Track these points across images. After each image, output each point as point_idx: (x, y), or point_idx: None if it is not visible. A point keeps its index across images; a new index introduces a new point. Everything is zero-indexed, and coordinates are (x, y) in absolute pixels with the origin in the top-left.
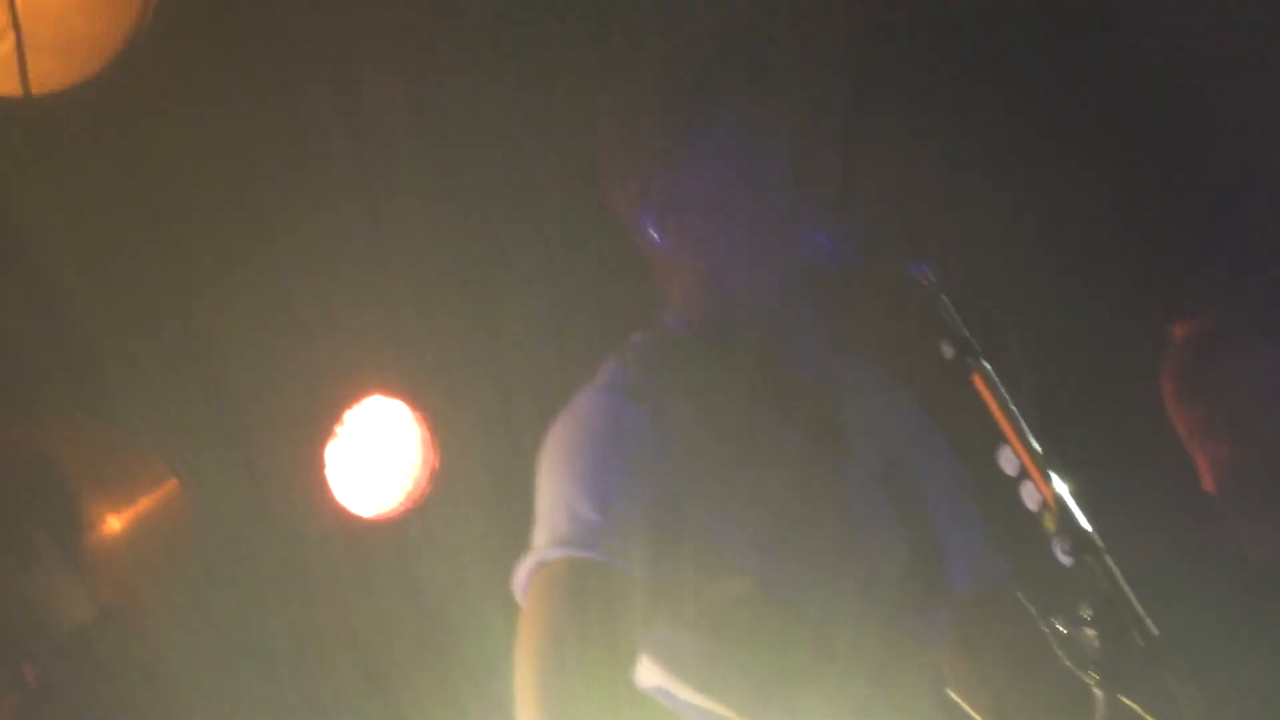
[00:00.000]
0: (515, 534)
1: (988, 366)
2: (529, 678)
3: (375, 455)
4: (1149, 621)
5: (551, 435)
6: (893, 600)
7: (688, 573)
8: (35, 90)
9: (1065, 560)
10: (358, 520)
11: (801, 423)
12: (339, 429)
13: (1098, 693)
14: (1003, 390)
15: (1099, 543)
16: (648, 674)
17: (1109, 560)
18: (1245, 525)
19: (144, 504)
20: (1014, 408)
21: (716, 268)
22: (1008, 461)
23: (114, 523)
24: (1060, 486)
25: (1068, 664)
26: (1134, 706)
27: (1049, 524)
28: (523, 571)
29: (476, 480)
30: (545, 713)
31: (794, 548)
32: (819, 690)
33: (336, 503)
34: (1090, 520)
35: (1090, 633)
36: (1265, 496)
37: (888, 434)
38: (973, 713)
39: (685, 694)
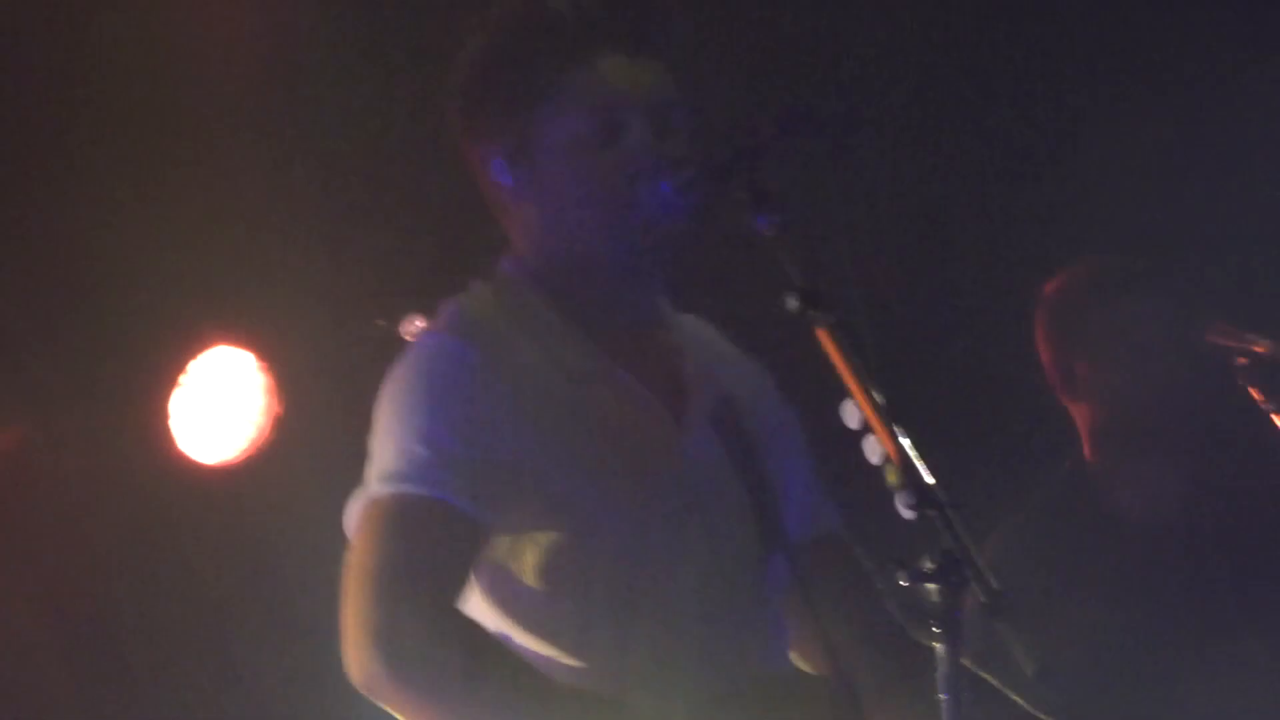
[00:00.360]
0: (358, 480)
1: (832, 319)
2: (353, 609)
3: (219, 404)
4: (990, 576)
5: (388, 375)
6: (730, 546)
7: (517, 514)
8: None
9: (907, 513)
10: (200, 467)
11: (637, 371)
12: (183, 378)
13: (937, 647)
14: (846, 343)
15: (941, 496)
16: (488, 619)
17: (951, 514)
18: (1116, 484)
19: None
20: (857, 360)
21: (562, 215)
22: (850, 414)
23: None
24: (903, 440)
25: (900, 618)
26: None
27: (892, 477)
28: (353, 508)
29: (320, 427)
30: (369, 644)
31: (627, 493)
32: (654, 638)
33: (179, 451)
34: (932, 474)
35: (931, 587)
36: (1132, 455)
37: (724, 385)
38: (809, 663)
39: (521, 639)
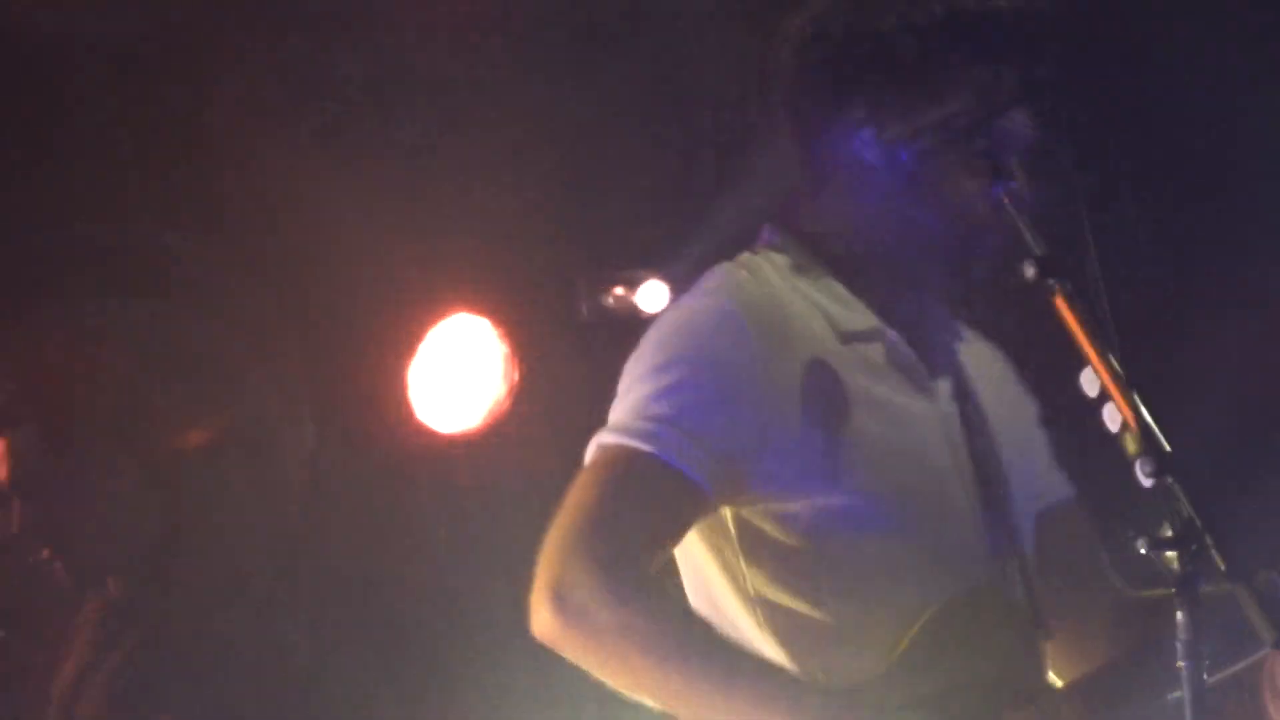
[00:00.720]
0: None
1: (1069, 287)
2: (546, 552)
3: (458, 372)
4: (1230, 542)
5: (653, 324)
6: (973, 517)
7: (756, 483)
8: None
9: (1146, 481)
10: (440, 437)
11: (909, 347)
12: (422, 347)
13: (1178, 614)
14: (1084, 311)
15: (1180, 464)
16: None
17: (1190, 481)
18: None
19: (221, 421)
20: (1096, 328)
21: (910, 218)
22: (1089, 383)
23: (193, 439)
24: (1142, 408)
25: (1120, 586)
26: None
27: (1130, 445)
28: (590, 447)
29: (558, 396)
30: (545, 591)
31: (883, 463)
32: (891, 622)
33: (419, 421)
34: (1170, 442)
35: (1170, 554)
36: None
37: (963, 361)
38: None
39: (767, 590)
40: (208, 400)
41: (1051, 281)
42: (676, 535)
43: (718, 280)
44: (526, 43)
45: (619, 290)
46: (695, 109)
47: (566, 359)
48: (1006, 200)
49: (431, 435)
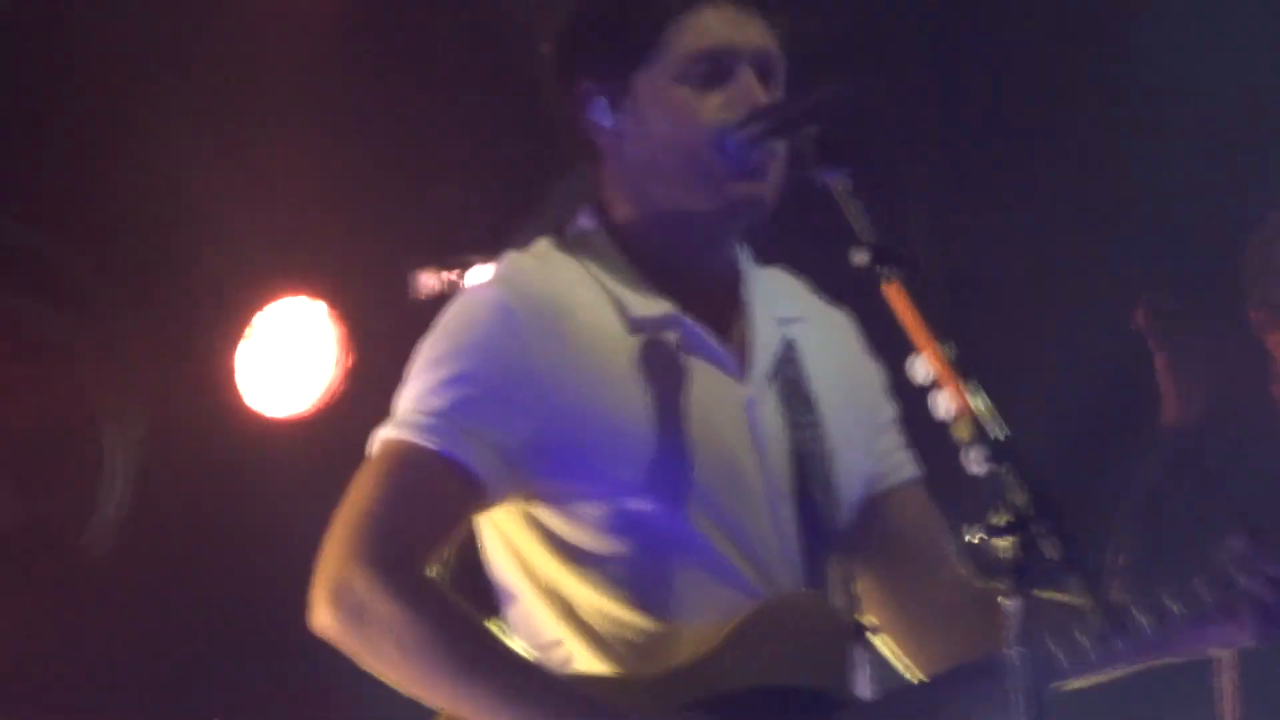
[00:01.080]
0: None
1: (900, 274)
2: (326, 547)
3: (289, 356)
4: (1063, 530)
5: (437, 320)
6: (779, 508)
7: (542, 472)
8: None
9: (977, 469)
10: (269, 421)
11: (707, 321)
12: (250, 330)
13: (1008, 603)
14: (914, 298)
15: (1014, 449)
16: (535, 561)
17: (1024, 467)
18: None
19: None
20: (926, 315)
21: (657, 157)
22: (919, 369)
23: (21, 423)
24: (976, 394)
25: (961, 573)
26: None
27: (962, 432)
28: (371, 444)
29: (393, 379)
30: (322, 586)
31: (678, 444)
32: (711, 605)
33: (246, 405)
34: (1003, 428)
35: (1002, 542)
36: None
37: (796, 340)
38: (875, 625)
39: (561, 583)
40: (35, 381)
41: (882, 269)
42: (455, 528)
43: (500, 270)
44: (367, 26)
45: (452, 275)
46: (531, 93)
47: (398, 343)
48: (837, 187)
49: (261, 420)
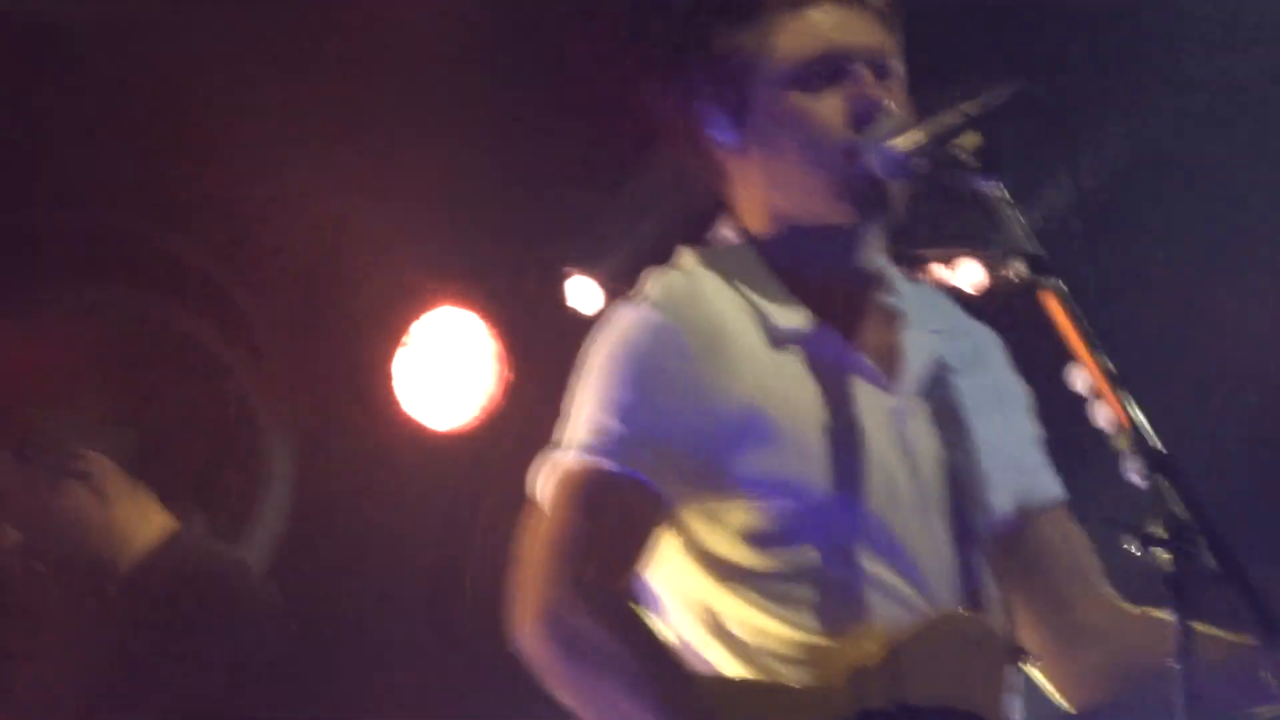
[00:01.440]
0: None
1: (1059, 283)
2: (525, 579)
3: (448, 367)
4: (1224, 542)
5: (590, 343)
6: (933, 523)
7: (708, 487)
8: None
9: (1137, 480)
10: (431, 433)
11: (851, 333)
12: (408, 339)
13: (1170, 615)
14: (1075, 307)
15: (1173, 461)
16: (686, 577)
17: (1183, 479)
18: None
19: (208, 426)
20: (1086, 325)
21: (785, 166)
22: (1078, 379)
23: (181, 445)
24: (1133, 405)
25: (1113, 596)
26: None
27: (1121, 443)
28: (541, 470)
29: (550, 394)
30: (533, 617)
31: (824, 460)
32: (868, 618)
33: (407, 415)
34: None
35: (1163, 554)
36: None
37: (944, 354)
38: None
39: (714, 599)
40: (192, 394)
41: (1042, 279)
42: (646, 546)
43: (653, 290)
44: (512, 33)
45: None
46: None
47: (554, 355)
48: (994, 195)
49: (422, 431)
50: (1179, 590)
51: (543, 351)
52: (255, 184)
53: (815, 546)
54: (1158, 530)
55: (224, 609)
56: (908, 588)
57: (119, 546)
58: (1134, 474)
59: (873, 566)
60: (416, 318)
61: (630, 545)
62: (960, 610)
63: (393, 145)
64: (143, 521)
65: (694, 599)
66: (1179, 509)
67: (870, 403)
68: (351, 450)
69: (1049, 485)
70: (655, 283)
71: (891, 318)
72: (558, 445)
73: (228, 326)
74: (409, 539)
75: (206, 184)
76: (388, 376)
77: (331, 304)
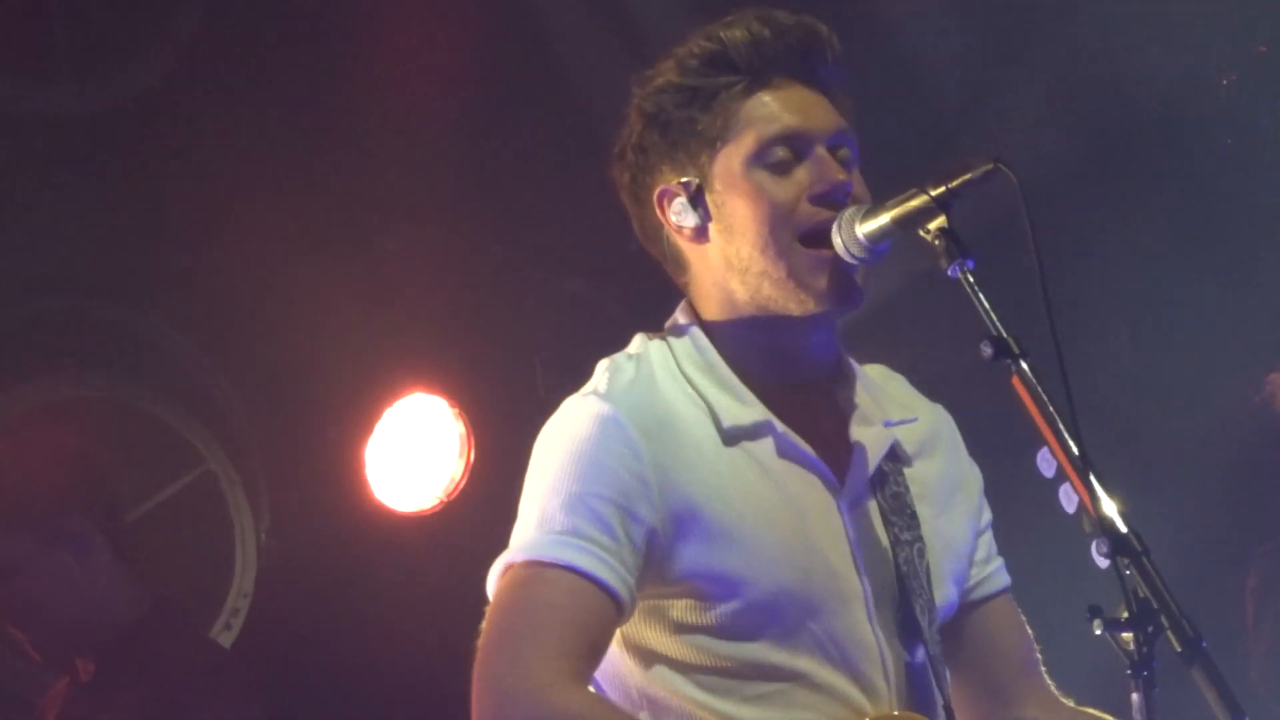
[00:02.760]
0: None
1: (1026, 368)
2: (482, 675)
3: (414, 451)
4: (1187, 624)
5: (539, 438)
6: (879, 620)
7: (657, 581)
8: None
9: (1102, 562)
10: (396, 515)
11: (803, 428)
12: (378, 425)
13: (1134, 696)
14: (1041, 392)
15: (1138, 545)
16: (633, 670)
17: (1147, 562)
18: None
19: (181, 498)
20: (1053, 409)
21: (743, 249)
22: (1045, 463)
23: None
24: (1099, 489)
25: (1050, 688)
26: None
27: (1086, 526)
28: (493, 571)
29: (514, 477)
30: (492, 712)
31: (772, 556)
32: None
33: (375, 499)
34: (1128, 524)
35: (1126, 635)
36: None
37: (890, 447)
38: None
39: (657, 689)
40: (166, 475)
41: (1008, 361)
42: (599, 637)
43: (602, 381)
44: (486, 126)
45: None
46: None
47: (524, 439)
48: (967, 277)
49: (388, 514)
50: (1142, 672)
51: (511, 436)
52: (237, 277)
53: (758, 643)
54: (1121, 612)
55: (200, 685)
56: (851, 686)
57: (101, 615)
58: (1098, 555)
59: (815, 665)
60: (389, 404)
61: (581, 643)
62: (902, 712)
63: (370, 240)
64: (126, 592)
65: (632, 693)
66: (1142, 591)
67: (819, 500)
68: (322, 532)
69: (995, 576)
70: (606, 373)
71: (845, 411)
72: (508, 548)
73: (204, 412)
74: (376, 621)
75: (192, 274)
76: (360, 463)
77: (304, 391)
